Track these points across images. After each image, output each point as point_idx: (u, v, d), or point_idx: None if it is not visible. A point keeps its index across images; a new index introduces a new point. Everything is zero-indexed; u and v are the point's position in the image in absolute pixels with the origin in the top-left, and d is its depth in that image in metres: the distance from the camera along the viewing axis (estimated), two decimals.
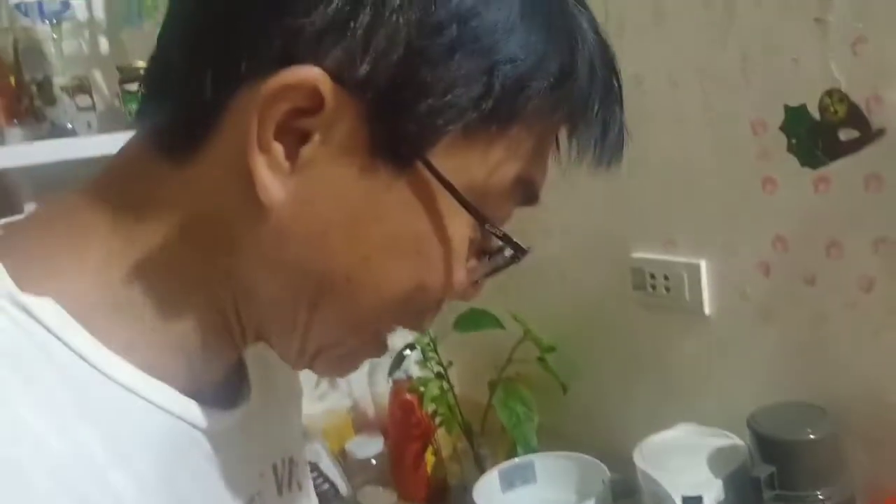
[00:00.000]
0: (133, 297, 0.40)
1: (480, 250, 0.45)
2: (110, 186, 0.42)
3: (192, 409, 0.42)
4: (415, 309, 0.44)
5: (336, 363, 0.46)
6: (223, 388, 0.46)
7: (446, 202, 0.40)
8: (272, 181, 0.38)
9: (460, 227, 0.41)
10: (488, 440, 1.36)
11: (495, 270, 0.45)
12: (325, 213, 0.39)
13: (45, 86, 1.11)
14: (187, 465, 0.43)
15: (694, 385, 1.09)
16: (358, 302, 0.41)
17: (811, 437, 0.79)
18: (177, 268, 0.40)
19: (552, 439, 1.23)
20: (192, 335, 0.42)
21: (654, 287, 1.10)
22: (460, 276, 0.43)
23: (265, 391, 0.51)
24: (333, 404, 1.65)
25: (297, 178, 0.38)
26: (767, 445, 0.81)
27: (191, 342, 0.42)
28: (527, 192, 0.44)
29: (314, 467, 1.35)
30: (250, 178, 0.38)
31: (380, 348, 0.47)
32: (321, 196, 0.39)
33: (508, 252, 0.44)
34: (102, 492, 0.36)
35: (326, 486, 1.39)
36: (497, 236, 0.42)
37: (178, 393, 0.41)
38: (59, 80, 1.12)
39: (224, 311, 0.42)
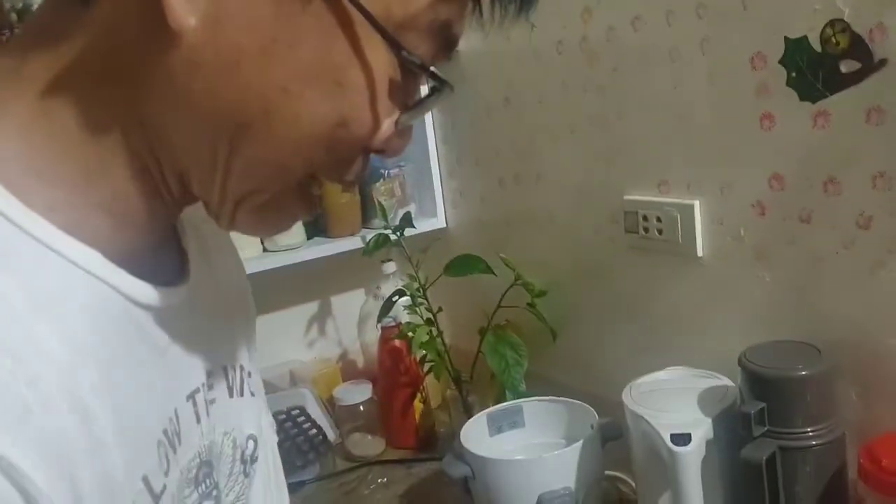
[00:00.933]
0: (54, 156, 0.39)
1: (403, 100, 0.43)
2: (27, 44, 0.40)
3: (122, 278, 0.41)
4: (339, 154, 0.43)
5: (259, 215, 0.44)
6: (162, 272, 0.45)
7: (363, 30, 0.39)
8: (181, 3, 0.37)
9: (379, 59, 0.40)
10: (477, 387, 1.36)
11: (419, 112, 0.44)
12: (236, 39, 0.38)
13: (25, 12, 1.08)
14: (123, 338, 0.42)
15: (686, 329, 1.07)
16: (277, 137, 0.40)
17: (803, 373, 0.78)
18: (94, 119, 0.39)
19: (541, 386, 1.22)
20: (116, 191, 0.41)
21: (646, 230, 1.09)
22: (383, 115, 0.42)
23: (207, 287, 0.51)
24: (322, 353, 1.64)
25: (207, 1, 0.37)
26: (758, 382, 0.80)
27: (116, 200, 0.41)
28: (444, 32, 0.42)
29: (301, 411, 1.35)
30: (160, 5, 0.36)
31: (307, 203, 0.45)
32: (232, 19, 0.38)
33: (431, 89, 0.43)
34: (25, 338, 0.35)
35: (314, 430, 1.38)
36: (416, 65, 0.41)
37: (102, 257, 0.40)
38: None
39: (144, 160, 0.41)
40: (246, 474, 0.54)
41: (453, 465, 1.10)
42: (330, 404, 1.48)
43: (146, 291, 0.43)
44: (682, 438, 0.83)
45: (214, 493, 0.48)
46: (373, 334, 1.50)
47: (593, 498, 1.05)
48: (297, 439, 1.38)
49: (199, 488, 0.47)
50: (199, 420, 0.48)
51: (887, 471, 0.71)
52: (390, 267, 1.53)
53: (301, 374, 1.54)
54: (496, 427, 1.18)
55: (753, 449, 0.78)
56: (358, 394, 1.45)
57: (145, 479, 0.40)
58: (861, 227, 0.82)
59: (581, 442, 1.03)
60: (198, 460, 0.47)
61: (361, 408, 1.45)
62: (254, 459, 0.55)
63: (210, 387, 0.49)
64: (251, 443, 0.55)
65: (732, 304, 0.99)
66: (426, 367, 1.40)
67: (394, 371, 1.42)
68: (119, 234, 0.41)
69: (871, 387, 0.85)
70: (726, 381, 0.92)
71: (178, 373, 0.46)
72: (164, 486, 0.42)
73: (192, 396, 0.47)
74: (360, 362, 1.64)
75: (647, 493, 0.92)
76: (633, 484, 1.05)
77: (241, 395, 0.55)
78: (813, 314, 0.89)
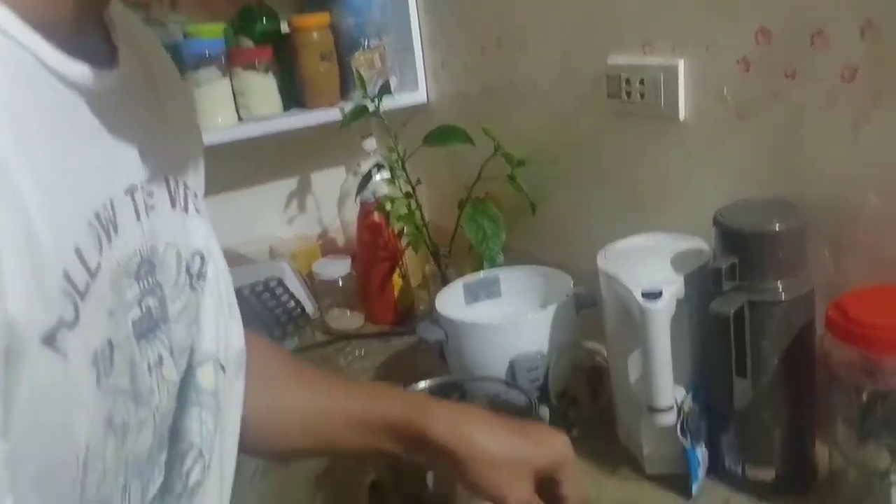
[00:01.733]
0: None
1: None
2: None
3: (47, 50, 0.38)
4: None
5: None
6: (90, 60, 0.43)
7: None
8: None
9: None
10: (456, 262, 1.35)
11: None
12: None
13: None
14: (49, 115, 0.39)
15: (665, 195, 1.06)
16: None
17: (776, 228, 0.77)
18: None
19: (519, 260, 1.21)
20: None
21: (629, 94, 1.05)
22: None
23: (146, 92, 0.49)
24: (302, 230, 1.63)
25: None
26: (731, 237, 0.79)
27: None
28: None
29: (279, 283, 1.34)
30: None
31: None
32: None
33: None
34: None
35: (292, 303, 1.38)
36: None
37: (22, 22, 0.37)
38: None
39: None
40: (192, 287, 0.53)
41: (428, 330, 1.10)
42: (309, 279, 1.48)
43: (76, 68, 0.40)
44: (653, 296, 0.82)
45: (158, 293, 0.47)
46: (353, 212, 1.48)
47: (565, 363, 1.06)
48: (275, 311, 1.38)
49: (141, 283, 0.45)
50: (138, 218, 0.46)
51: (854, 321, 0.70)
52: (370, 143, 1.50)
53: (280, 250, 1.54)
54: (472, 296, 1.18)
55: (722, 302, 0.77)
56: (337, 268, 1.45)
57: (78, 252, 0.39)
58: (845, 81, 0.79)
59: (555, 307, 1.03)
60: (139, 257, 0.45)
61: (340, 283, 1.45)
62: (201, 276, 0.54)
63: (150, 193, 0.48)
64: (198, 259, 0.54)
65: (713, 166, 0.98)
66: (405, 241, 1.39)
67: (373, 246, 1.41)
68: (40, 4, 0.38)
69: (844, 245, 0.84)
70: (701, 244, 0.91)
71: (112, 164, 0.44)
72: (100, 266, 0.41)
73: (130, 192, 0.45)
74: (341, 241, 1.63)
75: (617, 357, 0.93)
76: (606, 353, 1.05)
77: (186, 210, 0.53)
78: (794, 173, 0.87)
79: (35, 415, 0.35)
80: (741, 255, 0.78)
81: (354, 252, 1.49)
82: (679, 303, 0.84)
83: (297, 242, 1.58)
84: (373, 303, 1.46)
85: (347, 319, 1.47)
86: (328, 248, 1.62)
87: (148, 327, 0.46)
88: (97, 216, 0.41)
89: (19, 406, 0.34)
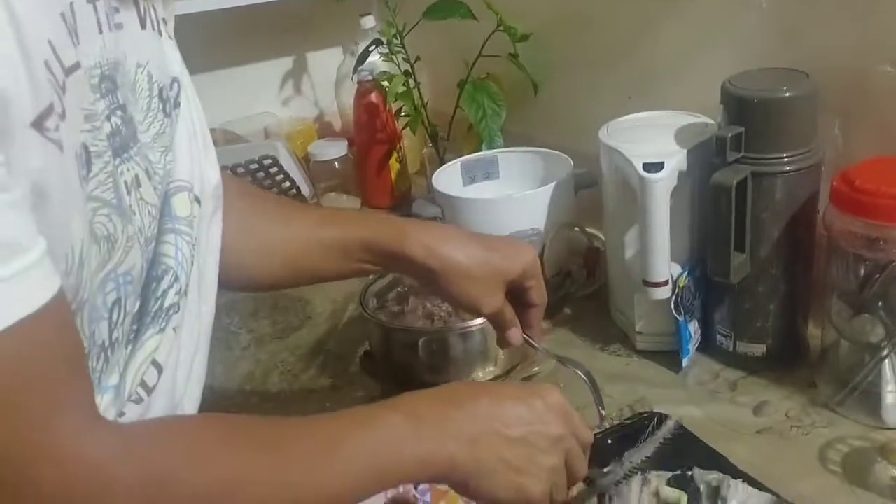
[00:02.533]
0: None
1: None
2: None
3: None
4: None
5: None
6: None
7: None
8: None
9: None
10: (454, 145, 1.33)
11: None
12: None
13: None
14: None
15: (672, 74, 1.02)
16: None
17: (785, 95, 0.74)
18: None
19: (520, 143, 1.19)
20: None
21: None
22: None
23: None
24: (298, 112, 1.59)
25: None
26: (738, 105, 0.76)
27: None
28: None
29: (274, 161, 1.32)
30: None
31: None
32: None
33: None
34: None
35: (287, 183, 1.36)
36: None
37: None
38: None
39: None
40: (167, 114, 0.51)
41: (423, 207, 1.09)
42: (305, 162, 1.45)
43: None
44: (655, 167, 0.80)
45: (120, 113, 0.46)
46: (350, 96, 1.44)
47: (561, 242, 1.05)
48: (270, 191, 1.37)
49: (105, 100, 0.44)
50: (100, 31, 0.45)
51: (859, 190, 0.69)
52: (368, 21, 1.45)
53: (275, 130, 1.50)
54: (470, 177, 1.16)
55: (725, 173, 0.75)
56: (333, 150, 1.42)
57: (52, 45, 0.38)
58: None
59: (553, 184, 1.02)
60: (99, 71, 0.44)
61: (337, 165, 1.43)
62: (176, 104, 0.53)
63: (115, 9, 0.46)
64: (176, 86, 0.54)
65: (723, 41, 0.94)
66: (402, 122, 1.36)
67: (370, 127, 1.38)
68: None
69: (854, 118, 0.81)
70: (707, 120, 0.88)
71: None
72: (76, 64, 0.40)
73: (92, 1, 0.43)
74: (337, 125, 1.60)
75: (614, 234, 0.92)
76: (604, 238, 1.04)
77: (159, 34, 0.52)
78: (806, 46, 0.84)
79: (38, 197, 0.36)
80: (748, 123, 0.76)
81: (351, 136, 1.46)
82: (681, 176, 0.82)
83: (292, 124, 1.55)
84: (369, 186, 1.44)
85: (344, 203, 1.45)
86: (325, 132, 1.59)
87: (121, 145, 0.45)
88: (62, 16, 0.40)
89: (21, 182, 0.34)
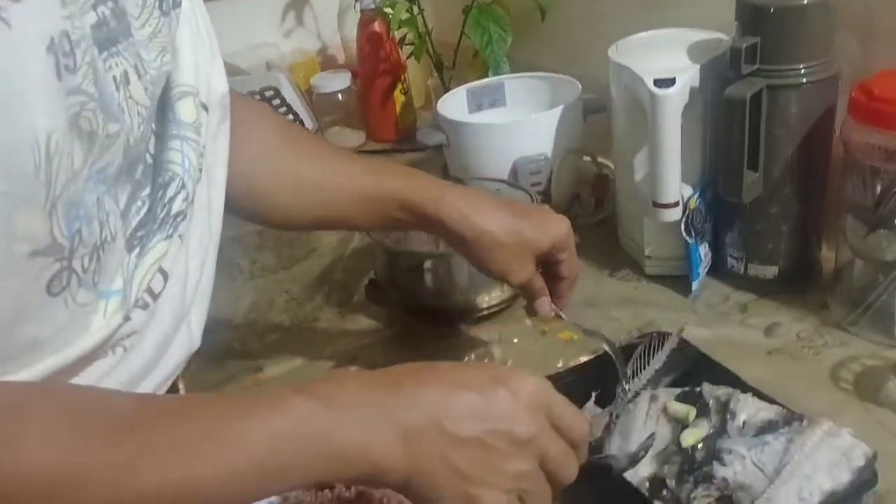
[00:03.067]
0: None
1: None
2: None
3: None
4: None
5: None
6: None
7: None
8: None
9: None
10: (459, 75, 1.29)
11: None
12: None
13: None
14: None
15: None
16: None
17: (802, 2, 0.71)
18: None
19: (526, 70, 1.15)
20: None
21: None
22: None
23: None
24: (301, 44, 1.56)
25: None
26: (754, 14, 0.73)
27: None
28: None
29: (276, 93, 1.30)
30: None
31: None
32: None
33: None
34: None
35: (290, 116, 1.34)
36: None
37: None
38: None
39: None
40: (163, 12, 0.49)
41: (428, 135, 1.06)
42: (308, 95, 1.42)
43: None
44: (666, 83, 0.78)
45: (111, 4, 0.44)
46: (353, 29, 1.40)
47: (569, 168, 1.03)
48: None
49: None
50: None
51: (878, 99, 0.66)
52: None
53: (277, 63, 1.47)
54: (476, 104, 1.14)
55: (739, 87, 0.73)
56: (337, 82, 1.39)
57: None
58: None
59: (561, 108, 0.99)
60: None
61: (340, 97, 1.40)
62: (176, 4, 0.51)
63: None
64: None
65: None
66: (406, 51, 1.32)
67: (373, 58, 1.35)
68: None
69: (874, 29, 0.78)
70: (721, 36, 0.85)
71: None
72: None
73: None
74: (341, 58, 1.57)
75: (624, 157, 0.89)
76: (613, 166, 1.02)
77: None
78: None
79: None
80: (763, 34, 0.73)
81: (355, 69, 1.43)
82: (693, 93, 0.79)
83: (294, 56, 1.52)
84: (374, 119, 1.42)
85: (348, 137, 1.43)
86: (328, 64, 1.55)
87: (107, 38, 0.43)
88: None
89: None
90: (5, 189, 0.36)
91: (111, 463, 0.36)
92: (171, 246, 0.49)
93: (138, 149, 0.47)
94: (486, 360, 0.81)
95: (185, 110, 0.50)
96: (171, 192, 0.48)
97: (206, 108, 0.52)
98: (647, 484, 0.60)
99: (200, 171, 0.51)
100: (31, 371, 0.41)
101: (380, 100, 1.38)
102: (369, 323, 0.90)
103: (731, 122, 0.74)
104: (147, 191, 0.49)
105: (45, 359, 0.42)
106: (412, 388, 0.44)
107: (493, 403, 0.45)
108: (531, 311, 0.73)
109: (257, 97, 1.29)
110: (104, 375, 0.46)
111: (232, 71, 1.37)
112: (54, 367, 0.42)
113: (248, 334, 0.93)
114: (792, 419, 0.59)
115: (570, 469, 0.49)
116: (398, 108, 1.39)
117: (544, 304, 0.71)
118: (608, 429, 0.65)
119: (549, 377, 0.75)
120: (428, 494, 0.44)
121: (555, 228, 0.69)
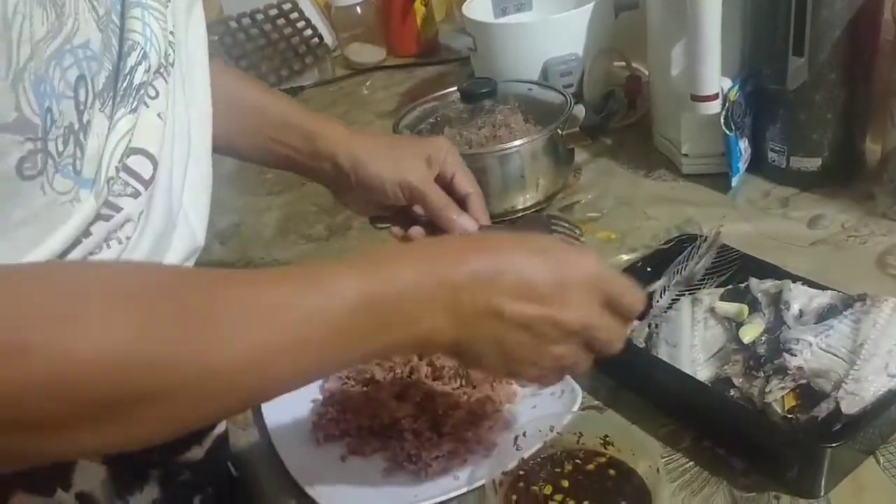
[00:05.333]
0: None
1: None
2: None
3: None
4: None
5: None
6: None
7: None
8: None
9: None
10: None
11: None
12: None
13: None
14: None
15: None
16: None
17: None
18: None
19: None
20: None
21: None
22: None
23: None
24: None
25: None
26: None
27: None
28: None
29: (294, 6, 1.27)
30: None
31: None
32: None
33: None
34: None
35: (309, 31, 1.31)
36: None
37: None
38: None
39: None
40: None
41: (454, 38, 1.04)
42: (326, 10, 1.39)
43: None
44: None
45: None
46: None
47: (601, 69, 1.00)
48: (291, 40, 1.32)
49: None
50: None
51: None
52: None
53: None
54: (501, 9, 1.10)
55: None
56: None
57: None
58: None
59: (592, 5, 0.96)
60: None
61: (359, 10, 1.36)
62: None
63: None
64: None
65: None
66: None
67: None
68: None
69: None
70: None
71: None
72: None
73: None
74: None
75: (660, 51, 0.86)
76: (647, 61, 0.99)
77: None
78: None
79: None
80: None
81: None
82: None
83: None
84: (394, 34, 1.38)
85: (368, 52, 1.40)
86: None
87: None
88: None
89: None
90: None
91: (179, 344, 0.35)
92: (140, 122, 0.46)
93: (110, 24, 0.44)
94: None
95: None
96: (131, 61, 0.45)
97: None
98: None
99: (170, 45, 0.48)
100: (28, 258, 0.40)
101: (400, 12, 1.35)
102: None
103: (776, 5, 0.71)
104: (113, 59, 0.45)
105: (27, 253, 0.40)
106: (467, 259, 0.43)
107: (548, 285, 0.44)
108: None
109: (275, 11, 1.26)
110: None
111: None
112: (47, 255, 0.40)
113: (281, 245, 0.92)
114: (853, 300, 0.58)
115: (616, 346, 0.48)
116: (419, 21, 1.36)
117: (466, 220, 0.69)
118: (650, 339, 0.64)
119: None
120: (473, 364, 0.46)
121: (434, 140, 0.71)
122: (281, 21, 1.28)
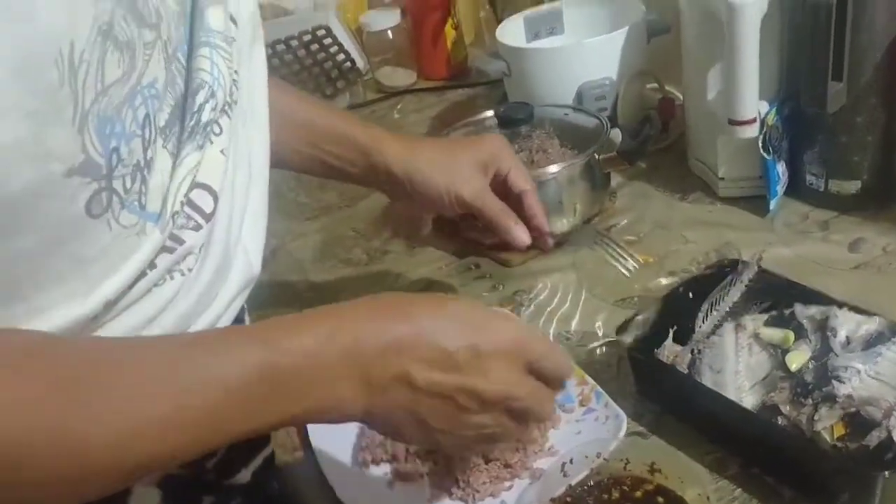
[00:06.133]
0: None
1: None
2: None
3: None
4: None
5: None
6: None
7: None
8: None
9: None
10: (512, 3, 1.27)
11: None
12: None
13: None
14: None
15: None
16: None
17: None
18: None
19: None
20: None
21: None
22: None
23: None
24: None
25: None
26: None
27: None
28: None
29: (327, 32, 1.28)
30: None
31: None
32: None
33: None
34: None
35: (341, 55, 1.33)
36: None
37: None
38: None
39: None
40: None
41: (486, 62, 1.04)
42: (357, 35, 1.41)
43: None
44: None
45: None
46: None
47: (634, 92, 1.00)
48: (324, 64, 1.33)
49: None
50: None
51: None
52: None
53: (324, 2, 1.45)
54: (533, 33, 1.11)
55: None
56: (386, 19, 1.37)
57: None
58: None
59: (626, 29, 0.96)
60: None
61: (390, 35, 1.38)
62: None
63: None
64: None
65: None
66: None
67: None
68: None
69: None
70: None
71: None
72: None
73: None
74: None
75: (695, 75, 0.86)
76: (680, 95, 0.99)
77: None
78: None
79: None
80: None
81: (405, 6, 1.41)
82: (771, 1, 0.76)
83: None
84: (425, 56, 1.40)
85: (399, 76, 1.41)
86: (376, 2, 1.53)
87: None
88: None
89: None
90: (35, 108, 0.35)
91: (54, 419, 0.34)
92: (205, 158, 0.46)
93: (175, 62, 0.45)
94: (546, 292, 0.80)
95: (214, 18, 0.48)
96: (199, 99, 0.46)
97: (234, 21, 0.51)
98: None
99: (234, 83, 0.49)
100: (87, 302, 0.40)
101: (430, 36, 1.36)
102: (440, 254, 0.90)
103: (815, 28, 0.71)
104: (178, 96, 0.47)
105: (98, 287, 0.41)
106: (379, 326, 0.42)
107: (464, 353, 0.43)
108: (511, 249, 0.72)
109: (309, 37, 1.28)
110: (167, 304, 0.45)
111: (279, 13, 1.37)
112: (110, 294, 0.41)
113: (321, 268, 0.93)
114: None
115: (543, 413, 0.48)
116: (449, 44, 1.37)
117: (521, 232, 0.68)
118: (693, 365, 0.63)
119: (621, 303, 0.75)
120: (390, 433, 0.46)
121: (489, 140, 0.71)
122: (314, 47, 1.29)
